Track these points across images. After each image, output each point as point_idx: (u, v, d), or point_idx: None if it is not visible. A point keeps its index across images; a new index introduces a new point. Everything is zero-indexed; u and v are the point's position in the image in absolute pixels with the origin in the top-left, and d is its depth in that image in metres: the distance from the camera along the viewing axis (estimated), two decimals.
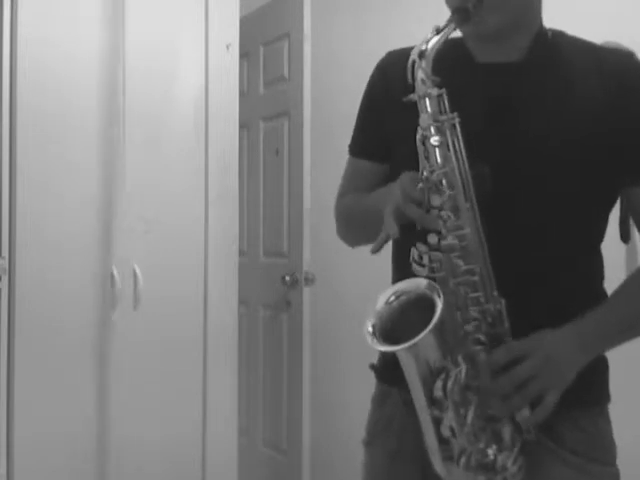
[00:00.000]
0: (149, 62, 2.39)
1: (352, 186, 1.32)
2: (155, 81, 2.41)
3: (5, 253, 2.13)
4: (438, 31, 1.04)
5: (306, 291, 2.87)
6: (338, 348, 2.94)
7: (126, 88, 2.34)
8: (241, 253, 2.70)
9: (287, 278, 2.90)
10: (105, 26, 2.30)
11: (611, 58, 1.13)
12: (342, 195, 1.35)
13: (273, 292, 3.02)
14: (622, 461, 1.16)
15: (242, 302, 2.78)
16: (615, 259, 1.18)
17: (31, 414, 2.16)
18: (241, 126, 2.66)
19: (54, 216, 2.21)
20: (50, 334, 2.19)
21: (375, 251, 1.05)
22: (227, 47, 2.56)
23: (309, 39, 2.85)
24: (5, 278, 2.12)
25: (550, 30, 1.16)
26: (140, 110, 2.37)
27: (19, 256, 2.14)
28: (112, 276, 2.30)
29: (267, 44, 3.10)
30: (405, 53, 1.06)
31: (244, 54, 2.86)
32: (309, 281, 2.87)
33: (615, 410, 1.18)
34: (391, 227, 1.02)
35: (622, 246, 1.21)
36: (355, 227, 1.33)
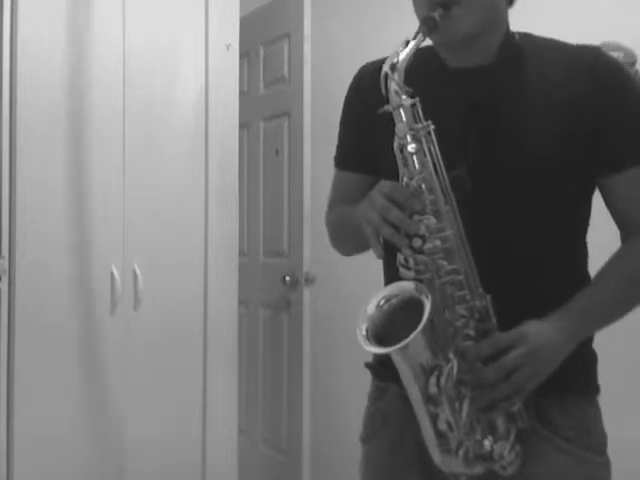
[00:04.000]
0: (149, 62, 2.39)
1: (339, 198, 1.36)
2: (155, 81, 2.41)
3: (5, 253, 2.13)
4: (408, 43, 1.08)
5: (306, 291, 2.87)
6: (338, 348, 2.94)
7: (126, 88, 2.34)
8: (241, 253, 2.70)
9: (287, 278, 2.90)
10: (105, 26, 2.30)
11: (579, 55, 1.16)
12: (331, 207, 1.39)
13: (273, 292, 3.02)
14: (613, 454, 1.18)
15: (242, 302, 2.78)
16: None
17: (31, 414, 2.16)
18: (241, 126, 2.66)
19: (54, 216, 2.21)
20: (50, 334, 2.19)
21: (380, 255, 1.09)
22: (227, 47, 2.56)
23: (309, 39, 2.85)
24: (5, 278, 2.12)
25: (517, 33, 1.20)
26: (140, 110, 2.37)
27: (19, 256, 2.14)
28: (112, 276, 2.30)
29: (267, 44, 3.10)
30: (378, 65, 1.11)
31: (244, 54, 2.86)
32: (309, 281, 2.87)
33: (608, 404, 1.21)
34: (376, 249, 1.08)
35: None
36: (343, 239, 1.37)
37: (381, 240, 1.08)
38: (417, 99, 1.07)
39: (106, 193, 2.30)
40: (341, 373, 2.93)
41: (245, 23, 2.71)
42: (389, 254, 1.12)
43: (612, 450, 1.19)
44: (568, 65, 1.14)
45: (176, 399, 2.44)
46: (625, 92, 1.14)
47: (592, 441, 1.16)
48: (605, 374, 1.21)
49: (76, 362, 2.24)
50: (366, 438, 1.31)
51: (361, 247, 1.33)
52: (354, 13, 3.05)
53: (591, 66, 1.13)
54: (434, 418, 1.05)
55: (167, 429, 2.41)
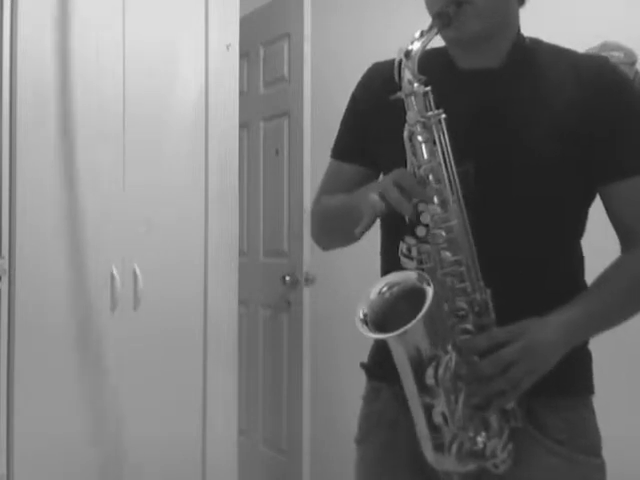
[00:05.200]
0: (149, 62, 2.39)
1: (332, 189, 1.35)
2: (155, 81, 2.41)
3: (5, 253, 2.13)
4: (422, 34, 1.08)
5: (306, 291, 2.87)
6: (338, 348, 2.94)
7: (126, 88, 2.34)
8: (241, 253, 2.70)
9: (287, 278, 2.90)
10: (105, 26, 2.30)
11: (587, 63, 1.18)
12: (320, 197, 1.39)
13: (273, 292, 3.02)
14: (609, 454, 1.18)
15: (242, 302, 2.78)
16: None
17: (31, 414, 2.16)
18: (241, 126, 2.66)
19: (54, 216, 2.21)
20: (50, 334, 2.19)
21: (360, 234, 1.08)
22: (227, 47, 2.56)
23: (309, 39, 2.85)
24: (5, 278, 2.12)
25: (527, 37, 1.21)
26: (140, 110, 2.37)
27: (19, 256, 2.14)
28: (112, 276, 2.30)
29: (267, 44, 3.10)
30: (389, 63, 1.12)
31: (244, 54, 2.86)
32: (309, 281, 2.87)
33: (603, 404, 1.21)
34: (362, 227, 1.06)
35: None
36: (332, 228, 1.36)
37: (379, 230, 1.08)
38: (429, 88, 1.07)
39: (106, 193, 2.30)
40: (341, 373, 2.93)
41: (245, 23, 2.71)
42: (389, 244, 1.12)
43: (608, 450, 1.18)
44: (576, 72, 1.15)
45: (176, 399, 2.44)
46: (629, 101, 1.15)
47: (586, 443, 1.16)
48: (599, 373, 1.21)
49: (76, 362, 2.24)
50: (361, 439, 1.31)
51: (347, 238, 1.32)
52: (354, 13, 3.05)
53: (597, 75, 1.15)
54: (429, 411, 1.05)
55: (167, 429, 2.40)
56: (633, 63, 2.23)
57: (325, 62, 2.99)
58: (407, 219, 1.05)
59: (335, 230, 1.34)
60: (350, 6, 3.07)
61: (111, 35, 2.31)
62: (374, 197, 1.04)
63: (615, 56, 2.18)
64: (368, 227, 1.07)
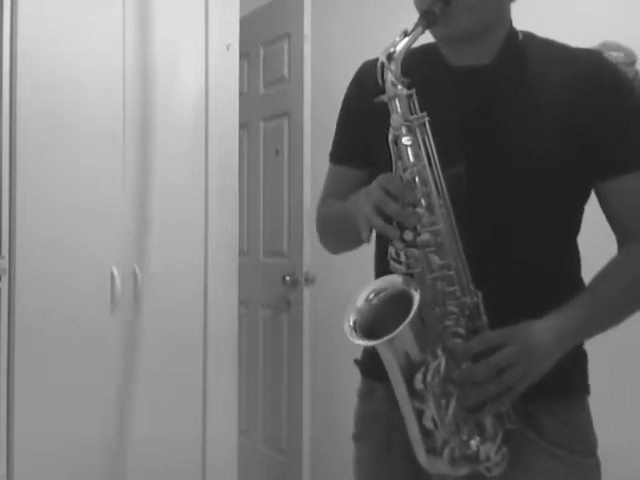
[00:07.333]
0: (149, 62, 2.39)
1: (333, 193, 1.35)
2: (155, 81, 2.41)
3: (5, 253, 2.13)
4: (406, 34, 1.06)
5: (306, 291, 2.87)
6: (338, 348, 2.93)
7: (126, 88, 2.34)
8: (241, 253, 2.70)
9: (287, 278, 2.90)
10: (105, 26, 2.30)
11: (582, 58, 1.15)
12: (323, 203, 1.38)
13: (273, 292, 3.02)
14: (603, 453, 1.18)
15: (242, 302, 2.78)
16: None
17: (31, 414, 2.16)
18: (241, 126, 2.66)
19: (54, 216, 2.21)
20: (50, 334, 2.19)
21: (366, 238, 1.08)
22: (227, 47, 2.56)
23: (309, 39, 2.85)
24: (5, 278, 2.12)
25: (520, 32, 1.19)
26: (140, 110, 2.37)
27: (19, 256, 2.14)
28: (112, 276, 2.30)
29: (267, 44, 3.10)
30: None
31: (244, 54, 2.86)
32: (309, 281, 2.87)
33: (597, 403, 1.20)
34: (364, 232, 1.06)
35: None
36: (334, 234, 1.36)
37: (373, 232, 1.08)
38: (413, 90, 1.05)
39: (106, 193, 2.30)
40: (341, 373, 2.92)
41: (245, 23, 2.71)
42: (381, 248, 1.11)
43: (605, 451, 1.18)
44: (570, 67, 1.13)
45: (176, 399, 2.44)
46: (625, 97, 1.14)
47: (582, 445, 1.15)
48: (597, 373, 1.21)
49: (75, 362, 2.24)
50: (357, 436, 1.31)
51: (350, 243, 1.32)
52: (354, 13, 3.05)
53: (593, 70, 1.13)
54: (419, 415, 1.04)
55: (167, 429, 2.41)
56: (633, 63, 2.23)
57: (325, 62, 3.00)
58: (395, 223, 1.04)
59: (338, 237, 1.34)
60: (350, 6, 3.07)
61: (111, 35, 2.31)
62: (367, 211, 1.04)
63: (615, 56, 2.18)
64: (369, 231, 1.07)
